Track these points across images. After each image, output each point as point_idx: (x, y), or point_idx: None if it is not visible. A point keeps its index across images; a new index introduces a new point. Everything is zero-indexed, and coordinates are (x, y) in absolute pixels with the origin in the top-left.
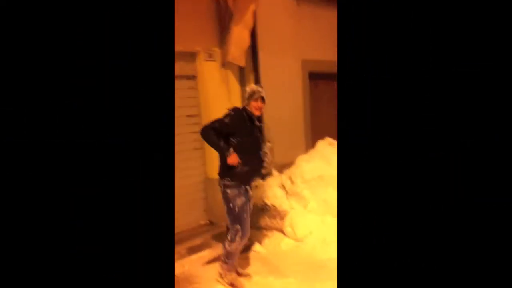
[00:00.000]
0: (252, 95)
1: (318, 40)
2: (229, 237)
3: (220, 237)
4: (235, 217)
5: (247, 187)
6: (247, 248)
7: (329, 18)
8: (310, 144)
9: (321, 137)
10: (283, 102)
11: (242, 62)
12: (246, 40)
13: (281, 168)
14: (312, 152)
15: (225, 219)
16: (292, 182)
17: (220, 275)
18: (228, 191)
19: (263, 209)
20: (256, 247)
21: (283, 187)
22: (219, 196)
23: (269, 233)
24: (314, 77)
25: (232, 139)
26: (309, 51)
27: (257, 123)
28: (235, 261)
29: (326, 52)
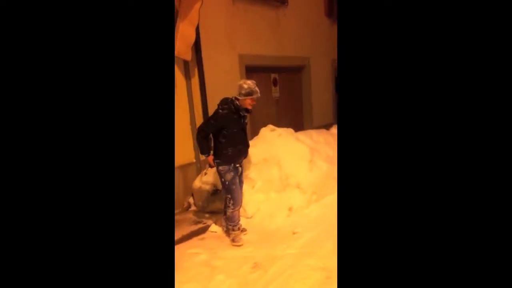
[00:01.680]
0: (250, 93)
1: (253, 36)
2: (225, 206)
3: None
4: (226, 189)
5: (236, 165)
6: (204, 229)
7: (262, 15)
8: (251, 130)
9: (261, 124)
10: (224, 93)
11: (188, 57)
12: (191, 36)
13: None
14: (257, 138)
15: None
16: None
17: (230, 235)
18: (220, 167)
19: (214, 194)
20: (212, 227)
21: None
22: None
23: (222, 215)
24: (250, 70)
25: (224, 130)
26: (245, 47)
27: (242, 113)
28: (236, 223)
29: (260, 48)
